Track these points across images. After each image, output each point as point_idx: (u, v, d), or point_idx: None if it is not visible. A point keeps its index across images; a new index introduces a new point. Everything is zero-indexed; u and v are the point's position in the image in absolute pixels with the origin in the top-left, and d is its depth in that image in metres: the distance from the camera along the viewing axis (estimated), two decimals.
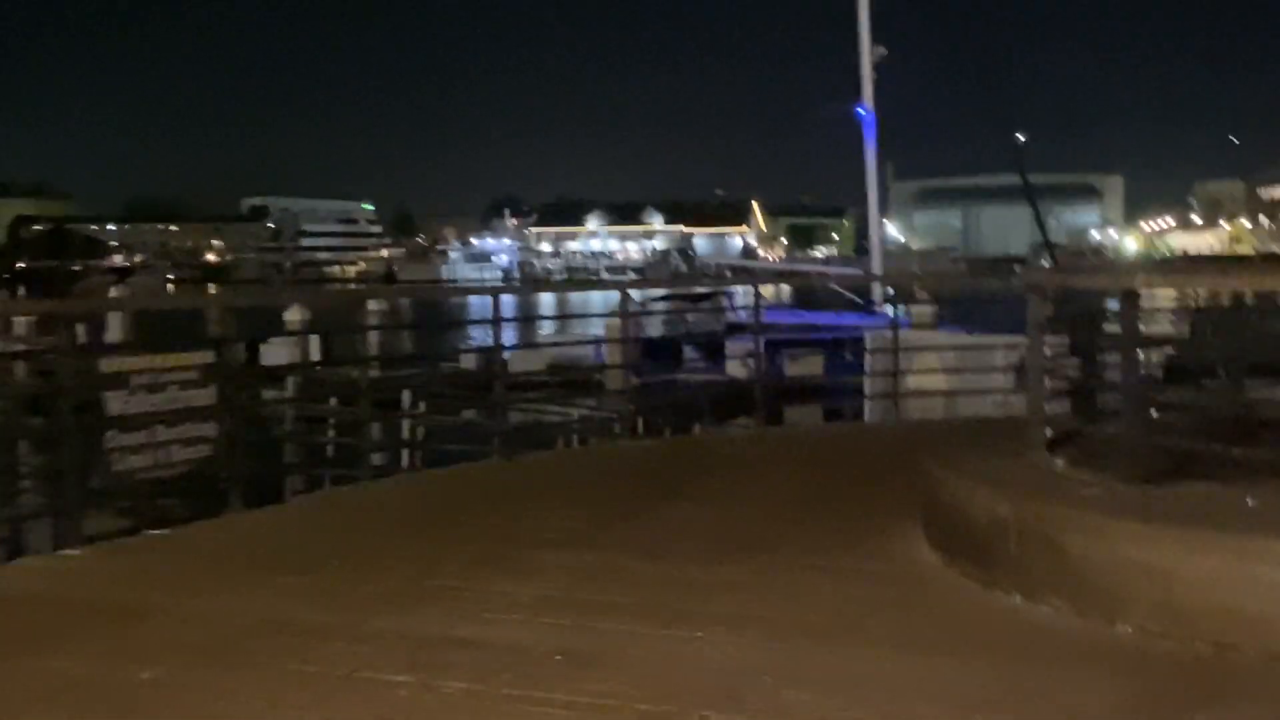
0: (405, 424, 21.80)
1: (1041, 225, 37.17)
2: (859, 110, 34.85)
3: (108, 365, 7.39)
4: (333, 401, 21.81)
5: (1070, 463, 6.49)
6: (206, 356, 7.74)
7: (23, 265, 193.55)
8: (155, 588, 6.17)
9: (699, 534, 7.30)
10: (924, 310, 30.70)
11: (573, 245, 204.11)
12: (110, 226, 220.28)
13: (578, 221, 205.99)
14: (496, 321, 10.82)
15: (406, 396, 25.35)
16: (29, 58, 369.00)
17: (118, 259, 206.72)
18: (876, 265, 36.13)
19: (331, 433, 18.74)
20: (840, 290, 39.61)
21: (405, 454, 15.29)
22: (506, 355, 39.12)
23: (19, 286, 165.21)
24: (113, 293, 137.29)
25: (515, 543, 7.03)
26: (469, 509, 8.22)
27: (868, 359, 18.82)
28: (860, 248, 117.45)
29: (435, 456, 12.35)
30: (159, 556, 6.91)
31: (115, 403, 7.29)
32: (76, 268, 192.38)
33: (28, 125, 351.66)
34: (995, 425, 8.87)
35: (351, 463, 12.22)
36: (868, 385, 17.96)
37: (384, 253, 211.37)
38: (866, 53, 33.66)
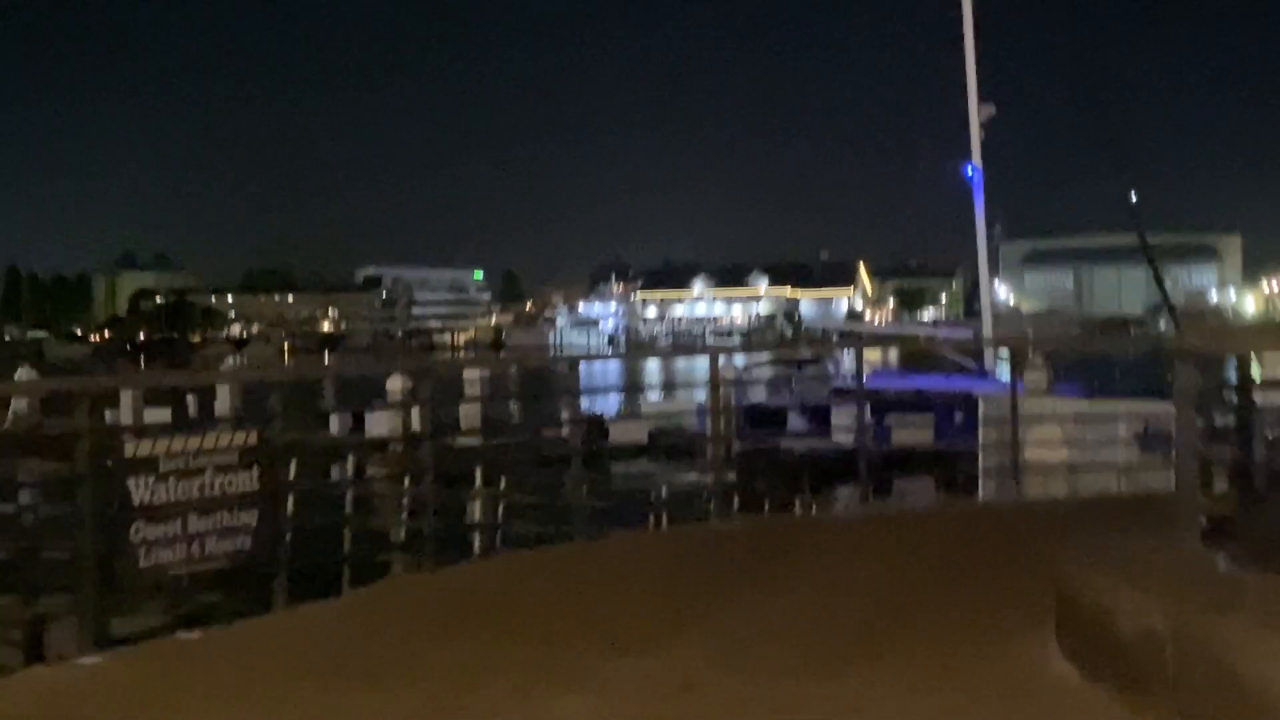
0: (479, 502, 20.50)
1: (1162, 286, 35.59)
2: (968, 169, 33.82)
3: (134, 448, 6.66)
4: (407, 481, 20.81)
5: (1233, 559, 5.44)
6: (250, 436, 7.06)
7: (144, 337, 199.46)
8: (171, 703, 5.40)
9: (793, 634, 6.32)
10: (1038, 374, 29.35)
11: (678, 309, 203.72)
12: (228, 298, 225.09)
13: (683, 285, 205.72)
14: (575, 392, 9.94)
15: (486, 470, 24.56)
16: (151, 134, 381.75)
17: (235, 329, 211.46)
18: (988, 328, 34.86)
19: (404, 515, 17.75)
20: (949, 353, 38.37)
21: (480, 536, 14.31)
22: (607, 422, 38.56)
23: (140, 358, 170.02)
24: (229, 363, 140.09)
25: (579, 646, 6.12)
26: (534, 601, 7.31)
27: (981, 427, 17.72)
28: (970, 310, 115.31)
29: (514, 537, 11.47)
30: (185, 663, 6.14)
31: (143, 489, 6.57)
32: (195, 339, 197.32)
33: (151, 200, 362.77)
34: (1130, 506, 7.78)
35: (421, 545, 11.37)
36: (982, 456, 16.88)
37: (492, 319, 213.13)
38: (975, 111, 32.69)
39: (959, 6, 32.91)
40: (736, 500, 13.39)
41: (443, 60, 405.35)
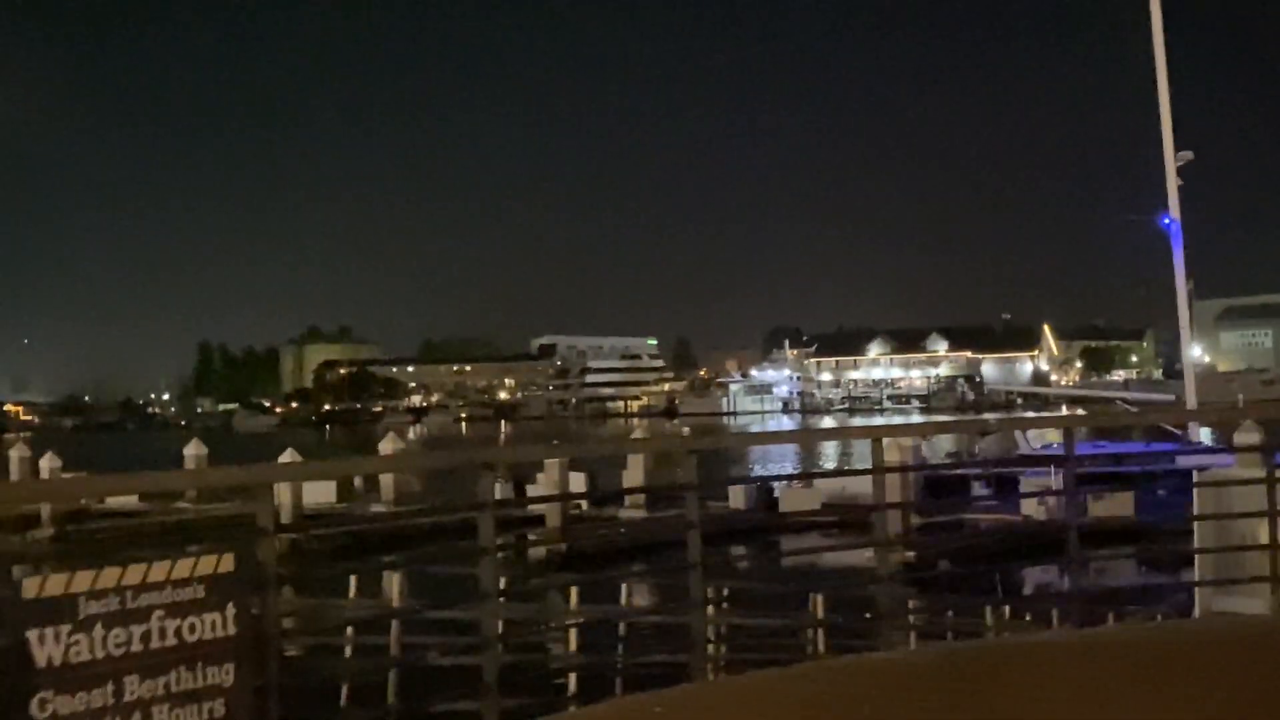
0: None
1: None
2: (1163, 221, 31.53)
3: (36, 586, 4.54)
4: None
5: None
6: (222, 561, 4.98)
7: (328, 408, 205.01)
8: None
9: None
10: (1248, 436, 26.91)
11: (854, 374, 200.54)
12: (409, 368, 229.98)
13: (858, 350, 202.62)
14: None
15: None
16: (334, 209, 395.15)
17: (415, 399, 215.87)
18: (1191, 391, 32.09)
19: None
20: (1153, 419, 35.81)
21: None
22: (777, 492, 36.85)
23: (325, 427, 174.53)
24: (410, 433, 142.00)
25: None
26: None
27: (1196, 502, 15.75)
28: (1170, 370, 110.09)
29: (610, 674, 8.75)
30: None
31: (52, 644, 4.51)
32: (377, 409, 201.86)
33: (336, 273, 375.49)
34: None
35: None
36: (1197, 537, 14.94)
37: (665, 386, 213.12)
38: (1170, 157, 30.36)
39: (1148, 52, 30.87)
40: (912, 601, 11.05)
41: (614, 131, 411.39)
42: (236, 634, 4.94)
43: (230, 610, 4.94)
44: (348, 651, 11.14)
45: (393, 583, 10.03)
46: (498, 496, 29.50)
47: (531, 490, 36.07)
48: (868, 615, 8.01)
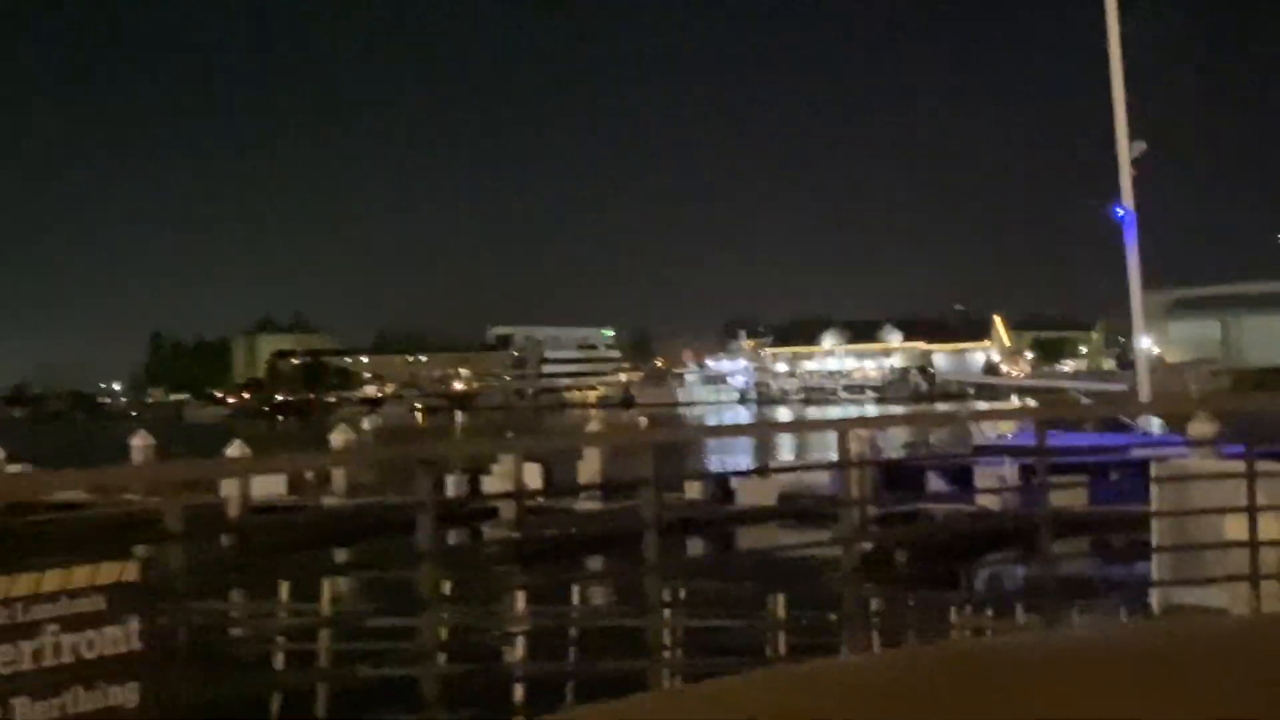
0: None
1: None
2: (1117, 211, 31.58)
3: None
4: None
5: None
6: (126, 570, 4.46)
7: (280, 397, 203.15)
8: None
9: None
10: (1203, 429, 27.00)
11: (809, 365, 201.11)
12: (363, 358, 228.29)
13: (814, 341, 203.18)
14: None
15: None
16: (287, 199, 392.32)
17: (370, 389, 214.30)
18: (1144, 382, 32.27)
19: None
20: (1103, 410, 35.94)
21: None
22: (733, 483, 36.71)
23: (278, 417, 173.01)
24: (365, 423, 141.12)
25: None
26: None
27: (1154, 493, 15.62)
28: (1125, 361, 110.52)
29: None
30: None
31: None
32: (331, 399, 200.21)
33: (288, 263, 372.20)
34: None
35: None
36: (1156, 532, 14.80)
37: (622, 377, 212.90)
38: (1124, 148, 30.45)
39: (1102, 44, 30.90)
40: (874, 599, 10.52)
41: (569, 118, 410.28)
42: (141, 650, 4.44)
43: (133, 623, 4.43)
44: (278, 663, 10.10)
45: (328, 587, 9.29)
46: (451, 491, 29.13)
47: (487, 482, 35.78)
48: (831, 616, 7.72)
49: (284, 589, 10.68)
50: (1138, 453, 26.05)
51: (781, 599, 10.13)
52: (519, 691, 7.60)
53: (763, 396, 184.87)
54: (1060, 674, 5.51)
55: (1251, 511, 8.12)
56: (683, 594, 9.06)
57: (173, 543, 4.75)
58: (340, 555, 27.85)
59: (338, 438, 43.36)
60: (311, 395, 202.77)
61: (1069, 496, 27.59)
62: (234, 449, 35.50)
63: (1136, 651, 6.11)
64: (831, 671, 5.98)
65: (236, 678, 5.56)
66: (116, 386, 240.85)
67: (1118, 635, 6.77)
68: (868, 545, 23.42)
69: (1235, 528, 11.43)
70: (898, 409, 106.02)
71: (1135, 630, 7.52)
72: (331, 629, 7.94)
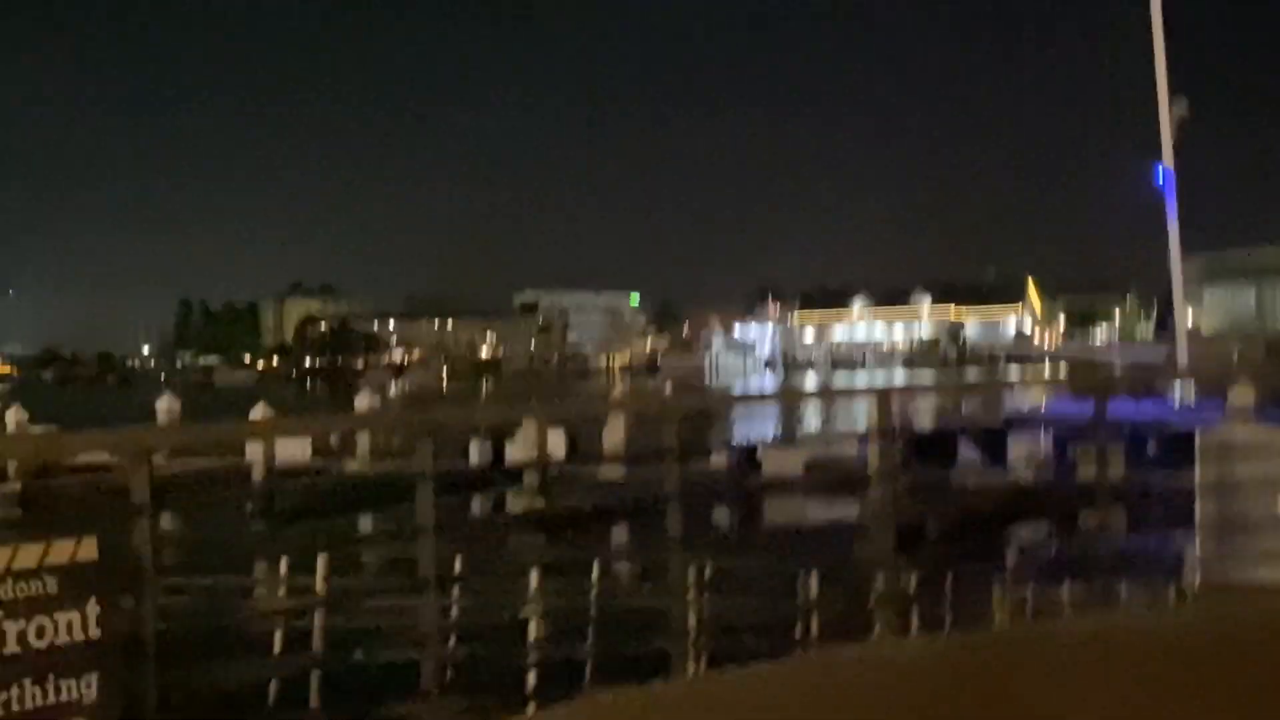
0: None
1: None
2: (1158, 173, 30.68)
3: None
4: None
5: None
6: (80, 548, 3.93)
7: (309, 363, 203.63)
8: None
9: None
10: (1244, 396, 26.25)
11: (837, 331, 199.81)
12: (390, 324, 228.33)
13: (842, 307, 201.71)
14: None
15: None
16: (317, 164, 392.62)
17: (397, 355, 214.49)
18: (1182, 354, 31.31)
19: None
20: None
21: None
22: (760, 452, 36.15)
23: (308, 382, 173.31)
24: (392, 388, 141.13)
25: None
26: None
27: (1199, 464, 14.99)
28: (1161, 329, 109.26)
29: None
30: None
31: None
32: (359, 364, 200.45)
33: (318, 229, 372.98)
34: None
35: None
36: (1200, 508, 14.20)
37: (648, 344, 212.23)
38: (1165, 106, 29.49)
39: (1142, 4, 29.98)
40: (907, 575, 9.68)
41: (600, 83, 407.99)
42: (101, 638, 3.93)
43: (92, 608, 3.93)
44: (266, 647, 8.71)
45: (323, 563, 8.69)
46: (475, 457, 28.60)
47: (510, 448, 35.34)
48: (864, 599, 7.17)
49: (282, 564, 10.20)
50: (1177, 421, 25.42)
51: (813, 576, 9.42)
52: (531, 677, 7.11)
53: (789, 363, 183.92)
54: (1110, 664, 4.98)
55: None
56: (707, 573, 8.52)
57: (137, 516, 4.22)
58: (362, 523, 27.53)
59: (362, 402, 43.15)
60: (339, 360, 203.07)
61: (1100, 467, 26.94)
62: (258, 412, 35.27)
63: (1188, 640, 5.56)
64: (866, 658, 5.45)
65: (213, 666, 5.06)
66: (146, 350, 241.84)
67: (1167, 624, 6.25)
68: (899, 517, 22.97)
69: None
70: (927, 375, 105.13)
71: (1185, 616, 7.01)
72: (326, 609, 7.43)
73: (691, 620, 7.23)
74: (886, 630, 5.78)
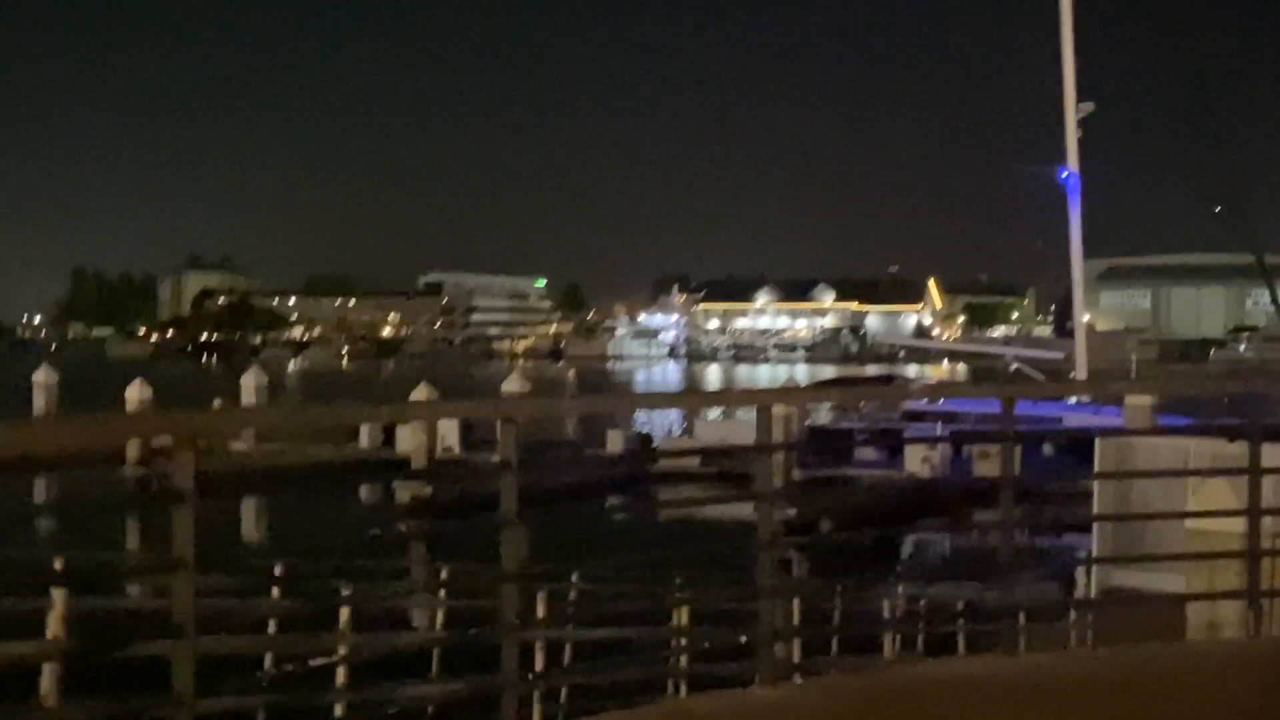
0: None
1: (1276, 302, 32.04)
2: (1061, 174, 30.65)
3: None
4: None
5: None
6: None
7: (205, 337, 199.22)
8: None
9: None
10: (1140, 401, 26.26)
11: (741, 322, 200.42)
12: (291, 301, 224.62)
13: (747, 298, 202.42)
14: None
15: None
16: (219, 137, 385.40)
17: (296, 332, 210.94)
18: (1081, 353, 31.24)
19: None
20: (1029, 373, 35.29)
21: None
22: (657, 444, 35.63)
23: (201, 358, 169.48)
24: (291, 365, 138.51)
25: None
26: None
27: (1097, 469, 14.69)
28: (1061, 328, 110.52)
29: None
30: None
31: None
32: (256, 340, 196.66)
33: (219, 203, 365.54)
34: None
35: None
36: (1098, 504, 13.91)
37: (552, 329, 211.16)
38: (1072, 108, 29.44)
39: (1049, 7, 29.88)
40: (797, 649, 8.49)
41: (507, 68, 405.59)
42: None
43: None
44: None
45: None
46: (365, 442, 27.61)
47: (400, 436, 34.38)
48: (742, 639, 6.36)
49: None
50: (1076, 423, 25.36)
51: (685, 612, 8.37)
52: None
53: (693, 352, 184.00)
54: (996, 708, 4.69)
55: (1254, 515, 6.87)
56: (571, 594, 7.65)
57: None
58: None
59: (249, 380, 41.70)
60: (237, 336, 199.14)
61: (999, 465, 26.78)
62: (135, 389, 33.94)
63: (1103, 683, 5.07)
64: (742, 707, 4.77)
65: None
66: (37, 321, 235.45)
67: (1081, 664, 5.67)
68: (790, 511, 22.63)
69: (1180, 506, 10.42)
70: (828, 369, 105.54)
71: (1100, 659, 6.47)
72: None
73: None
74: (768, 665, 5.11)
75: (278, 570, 6.66)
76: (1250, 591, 6.15)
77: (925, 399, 31.76)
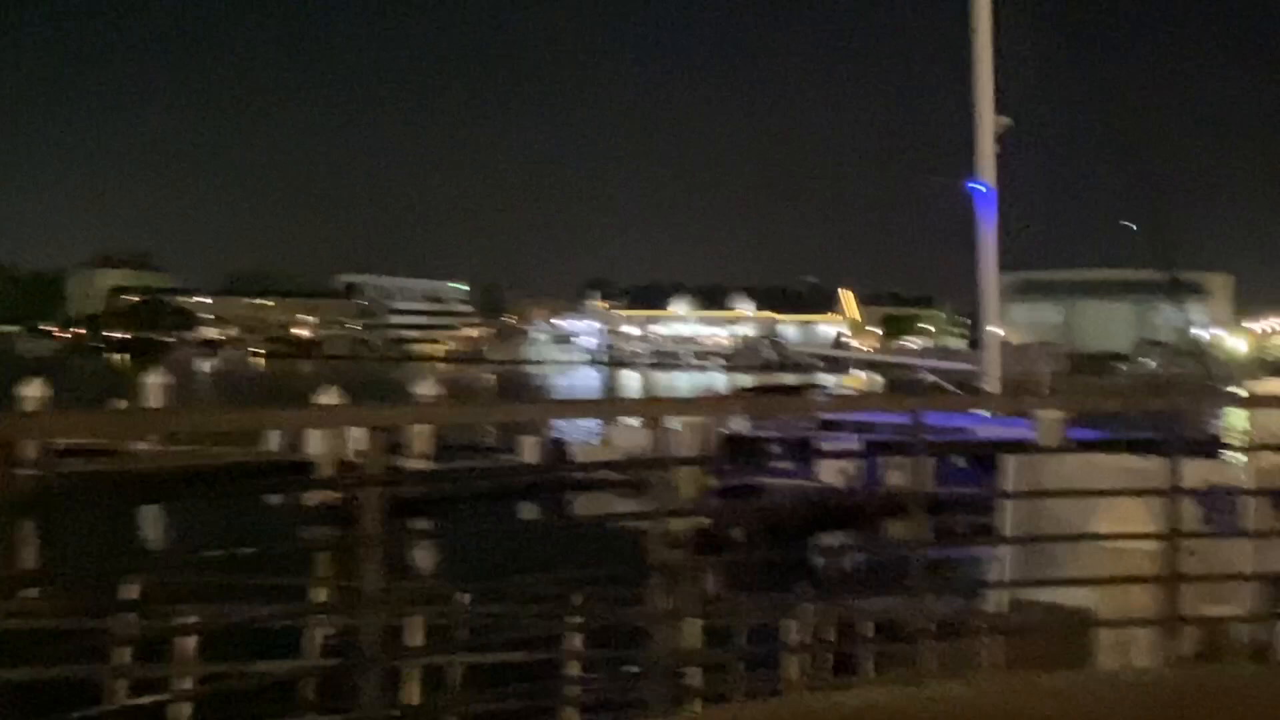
0: None
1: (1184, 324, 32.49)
2: (974, 187, 30.80)
3: None
4: None
5: None
6: None
7: (115, 334, 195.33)
8: None
9: None
10: (1051, 411, 26.38)
11: (659, 329, 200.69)
12: (205, 299, 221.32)
13: (665, 305, 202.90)
14: None
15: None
16: (135, 134, 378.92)
17: (210, 331, 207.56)
18: (994, 365, 31.41)
19: None
20: (943, 385, 35.53)
21: None
22: (572, 449, 35.33)
23: (116, 355, 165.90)
24: (206, 365, 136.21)
25: None
26: None
27: (1009, 481, 14.57)
28: (973, 341, 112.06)
29: None
30: None
31: None
32: (168, 339, 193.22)
33: (133, 199, 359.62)
34: None
35: None
36: (1009, 520, 13.77)
37: (473, 332, 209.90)
38: (988, 122, 29.61)
39: (964, 21, 30.05)
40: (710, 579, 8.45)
41: (429, 69, 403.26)
42: None
43: None
44: None
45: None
46: (274, 445, 26.97)
47: (310, 440, 33.74)
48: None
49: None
50: (987, 434, 25.41)
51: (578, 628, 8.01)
52: None
53: (612, 358, 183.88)
54: None
55: (1173, 540, 6.64)
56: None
57: None
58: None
59: (153, 380, 40.72)
60: (149, 334, 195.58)
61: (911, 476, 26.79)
62: (32, 388, 32.96)
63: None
64: None
65: None
66: None
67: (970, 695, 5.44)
68: (705, 521, 22.38)
69: (1092, 521, 10.28)
70: (746, 377, 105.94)
71: (986, 687, 6.33)
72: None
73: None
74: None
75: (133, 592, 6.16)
76: (1168, 616, 5.96)
77: (837, 411, 31.77)
